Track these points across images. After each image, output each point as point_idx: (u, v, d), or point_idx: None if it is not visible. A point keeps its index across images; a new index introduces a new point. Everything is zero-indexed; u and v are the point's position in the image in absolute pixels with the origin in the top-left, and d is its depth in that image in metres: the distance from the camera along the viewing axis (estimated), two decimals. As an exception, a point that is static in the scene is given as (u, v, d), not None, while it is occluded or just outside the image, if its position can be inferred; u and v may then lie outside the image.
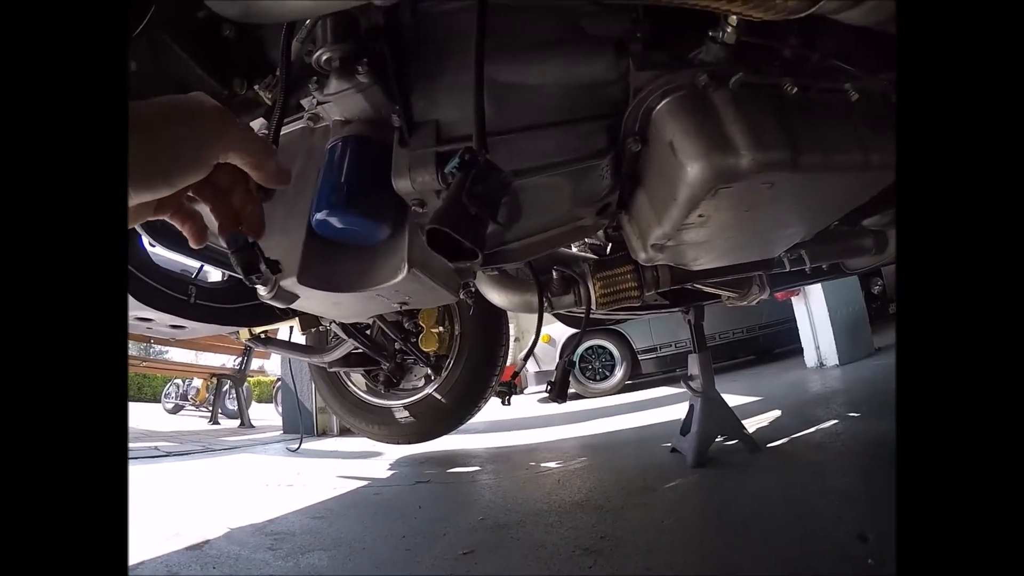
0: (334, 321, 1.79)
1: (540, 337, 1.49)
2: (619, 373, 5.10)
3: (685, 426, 1.77)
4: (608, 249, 1.31)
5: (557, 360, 1.21)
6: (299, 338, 2.29)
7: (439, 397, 2.06)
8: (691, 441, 1.67)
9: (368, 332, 2.07)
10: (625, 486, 1.55)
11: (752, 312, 4.82)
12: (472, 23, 0.63)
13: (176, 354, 6.65)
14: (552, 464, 2.05)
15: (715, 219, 0.74)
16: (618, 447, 2.30)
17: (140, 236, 1.18)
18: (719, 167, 0.63)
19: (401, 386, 2.19)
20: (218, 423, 5.82)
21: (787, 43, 0.70)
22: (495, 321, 2.08)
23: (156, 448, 3.64)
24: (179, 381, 7.95)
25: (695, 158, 0.63)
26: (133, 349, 6.63)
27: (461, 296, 1.00)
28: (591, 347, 5.15)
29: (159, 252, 1.30)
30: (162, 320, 1.37)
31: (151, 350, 6.88)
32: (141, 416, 6.98)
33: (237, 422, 5.63)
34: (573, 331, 3.62)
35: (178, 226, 0.46)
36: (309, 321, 1.78)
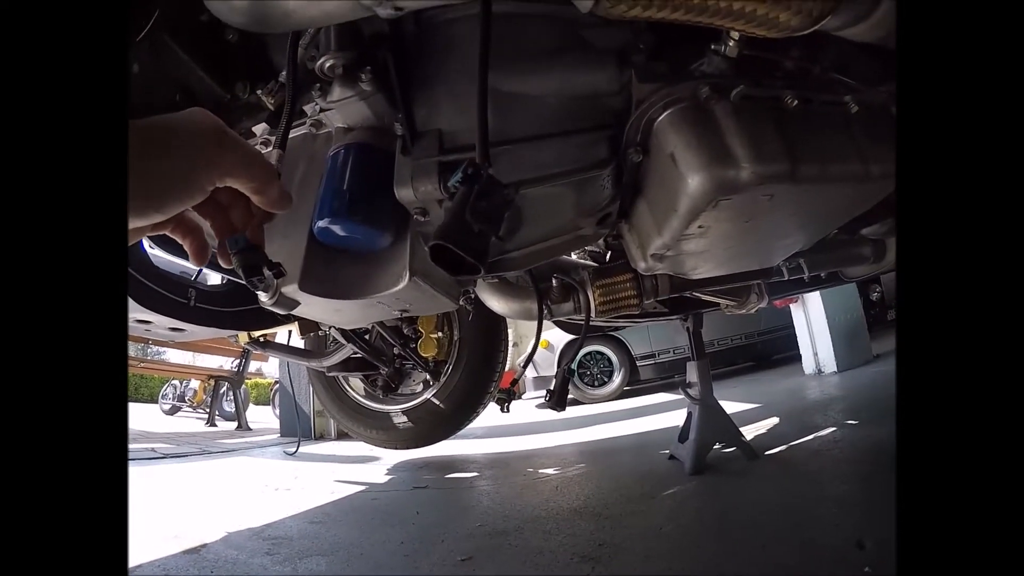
0: (333, 326, 1.79)
1: (539, 344, 1.48)
2: (617, 379, 5.09)
3: (683, 433, 1.77)
4: (608, 257, 1.31)
5: (556, 367, 1.21)
6: (298, 342, 2.29)
7: (437, 402, 2.05)
8: (689, 448, 1.67)
9: (367, 337, 2.06)
10: (623, 493, 1.55)
11: (750, 319, 4.83)
12: (475, 32, 0.62)
13: (174, 355, 6.66)
14: (550, 470, 2.04)
15: (715, 230, 0.74)
16: (616, 453, 2.30)
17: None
18: (720, 179, 0.63)
19: (400, 391, 2.18)
20: (215, 425, 5.80)
21: (789, 56, 0.71)
22: (494, 327, 2.08)
23: (153, 450, 3.63)
24: (176, 382, 7.94)
25: (696, 170, 0.63)
26: (131, 349, 6.60)
27: (461, 303, 1.00)
28: (589, 353, 5.13)
29: (158, 254, 1.30)
30: (161, 323, 1.36)
31: (148, 351, 6.86)
32: (138, 417, 6.94)
33: (234, 424, 5.62)
34: (572, 337, 3.63)
35: (179, 240, 0.45)
36: (308, 325, 1.77)
